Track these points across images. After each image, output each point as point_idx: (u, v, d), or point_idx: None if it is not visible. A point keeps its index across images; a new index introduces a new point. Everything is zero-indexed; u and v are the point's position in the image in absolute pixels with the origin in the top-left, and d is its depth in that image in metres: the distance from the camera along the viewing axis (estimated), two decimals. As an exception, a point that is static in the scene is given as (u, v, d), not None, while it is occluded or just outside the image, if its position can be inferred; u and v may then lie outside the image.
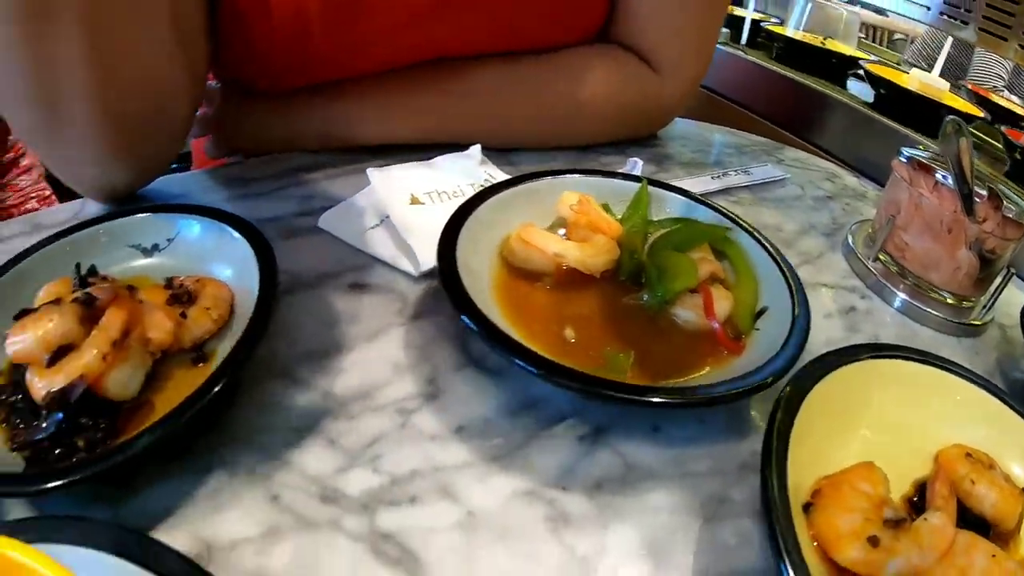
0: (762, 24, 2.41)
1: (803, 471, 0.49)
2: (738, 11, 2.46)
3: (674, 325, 0.64)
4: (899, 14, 2.09)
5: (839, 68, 2.22)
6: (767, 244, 0.70)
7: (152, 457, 0.47)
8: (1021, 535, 0.52)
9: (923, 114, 1.85)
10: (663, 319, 0.64)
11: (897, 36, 2.73)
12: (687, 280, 0.63)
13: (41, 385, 0.50)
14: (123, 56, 0.67)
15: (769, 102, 2.20)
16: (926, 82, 1.96)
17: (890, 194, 0.85)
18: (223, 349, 0.58)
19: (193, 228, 0.68)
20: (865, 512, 0.48)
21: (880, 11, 2.23)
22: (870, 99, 2.03)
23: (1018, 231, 0.75)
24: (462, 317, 0.56)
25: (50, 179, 1.93)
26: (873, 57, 2.29)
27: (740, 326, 0.63)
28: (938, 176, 0.78)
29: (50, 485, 0.44)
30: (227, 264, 0.65)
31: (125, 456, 0.45)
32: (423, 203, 0.79)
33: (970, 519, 0.51)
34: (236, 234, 0.65)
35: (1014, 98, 2.15)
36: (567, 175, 0.78)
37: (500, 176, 0.88)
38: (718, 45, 1.76)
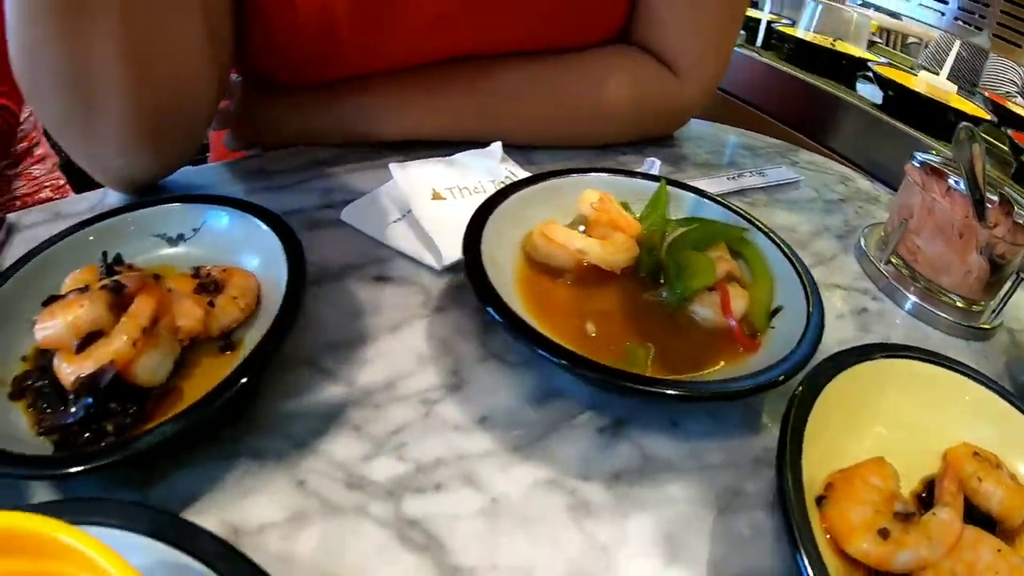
0: (773, 25, 2.42)
1: (816, 466, 0.51)
2: (754, 13, 2.46)
3: (692, 322, 0.65)
4: (913, 19, 2.09)
5: (848, 70, 2.23)
6: (782, 245, 0.71)
7: (180, 443, 0.48)
8: (1026, 531, 0.53)
9: (930, 116, 1.86)
10: (681, 316, 0.65)
11: (911, 40, 2.73)
12: (705, 278, 0.64)
13: (70, 370, 0.51)
14: (157, 50, 0.68)
15: (782, 104, 2.20)
16: (934, 84, 1.97)
17: (903, 198, 0.86)
18: (250, 338, 0.59)
19: (221, 219, 0.69)
20: (876, 505, 0.49)
21: (895, 15, 2.23)
22: (879, 101, 2.04)
23: (1028, 237, 0.76)
24: (487, 309, 0.57)
25: (64, 169, 1.92)
26: (882, 59, 2.29)
27: (756, 324, 0.64)
28: (950, 181, 0.79)
29: (85, 467, 0.45)
30: (254, 254, 0.66)
31: (158, 440, 0.46)
32: (445, 198, 0.80)
33: (977, 516, 0.52)
34: (263, 225, 0.66)
35: (1026, 103, 2.16)
36: (588, 173, 0.79)
37: (520, 173, 0.89)
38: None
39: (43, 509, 0.36)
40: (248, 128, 1.03)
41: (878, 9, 2.41)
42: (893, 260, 0.86)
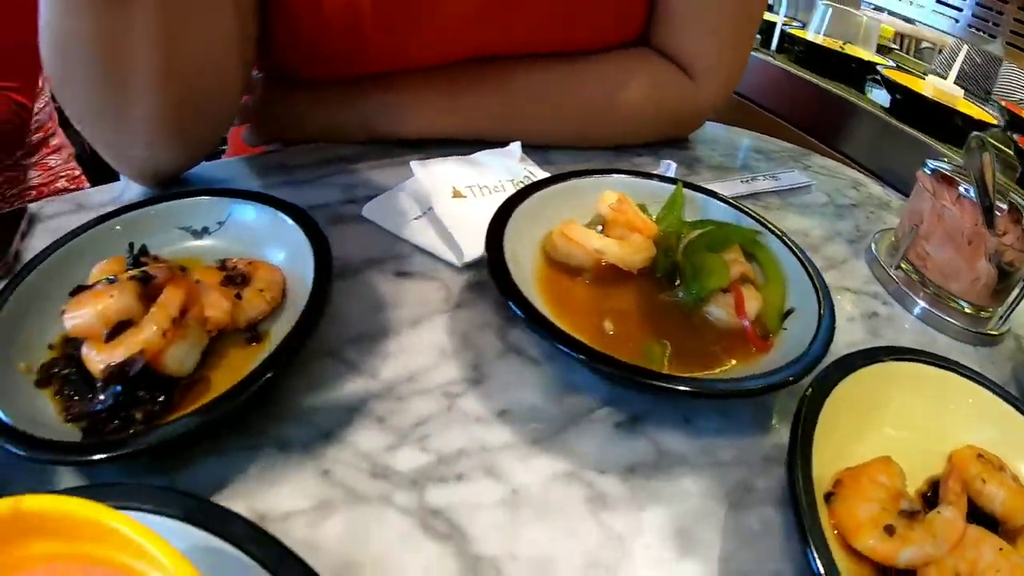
0: (783, 28, 2.43)
1: (825, 464, 0.52)
2: (768, 16, 2.47)
3: (706, 322, 0.66)
4: (928, 25, 2.10)
5: (858, 73, 2.24)
6: (795, 248, 0.72)
7: (206, 432, 0.50)
8: (1028, 532, 0.55)
9: (937, 120, 1.87)
10: (696, 316, 0.66)
11: (924, 45, 2.73)
12: (720, 280, 0.66)
13: (99, 359, 0.52)
14: (189, 42, 0.70)
15: (796, 108, 2.21)
16: (941, 88, 1.97)
17: (914, 204, 0.87)
18: (276, 330, 0.61)
19: (247, 213, 0.70)
20: (883, 503, 0.51)
21: (909, 20, 2.24)
22: (886, 104, 2.05)
23: (1036, 245, 0.77)
24: (509, 304, 0.59)
25: (80, 159, 1.94)
26: (891, 63, 2.30)
27: (768, 325, 0.66)
28: (961, 189, 0.80)
29: (120, 453, 0.46)
30: (280, 248, 0.67)
31: (190, 428, 0.48)
32: (465, 196, 0.81)
33: (980, 516, 0.54)
34: (289, 220, 0.67)
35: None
36: (607, 175, 0.81)
37: (539, 173, 0.90)
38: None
39: (77, 493, 0.36)
40: (268, 124, 1.04)
41: (892, 14, 2.41)
42: (903, 265, 0.87)
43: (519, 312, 0.58)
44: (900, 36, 2.90)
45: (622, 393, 0.63)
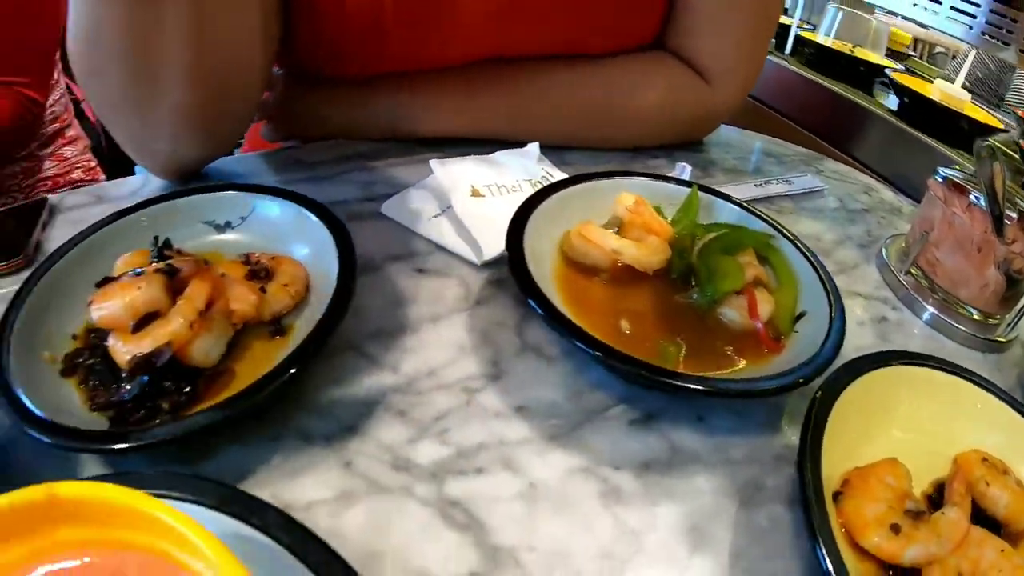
0: (790, 29, 2.44)
1: (834, 464, 0.54)
2: (783, 19, 2.47)
3: (720, 323, 0.67)
4: (941, 31, 2.10)
5: (866, 76, 2.25)
6: (808, 252, 0.74)
7: (230, 423, 0.51)
8: (1030, 535, 0.56)
9: (944, 123, 1.88)
10: (710, 317, 0.67)
11: (938, 50, 2.73)
12: (734, 282, 0.67)
13: (126, 350, 0.53)
14: (218, 36, 0.71)
15: (809, 112, 2.21)
16: (948, 92, 1.98)
17: (925, 211, 0.88)
18: (299, 324, 0.62)
19: (271, 208, 0.71)
20: (889, 503, 0.52)
21: (924, 26, 2.24)
22: (895, 107, 2.06)
23: (1045, 254, 0.78)
24: (529, 301, 0.60)
25: (96, 151, 1.95)
26: (899, 66, 2.31)
27: (780, 328, 0.67)
28: (971, 197, 0.81)
29: (156, 440, 0.48)
30: (304, 244, 0.68)
31: (219, 418, 0.49)
32: (483, 196, 0.83)
33: (983, 518, 0.55)
34: (313, 217, 0.68)
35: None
36: (625, 177, 0.82)
37: (557, 173, 0.92)
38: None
39: (109, 481, 0.36)
40: (288, 120, 1.05)
41: (906, 19, 2.41)
42: (913, 271, 0.88)
43: (538, 310, 0.60)
44: (915, 42, 2.90)
45: (637, 391, 0.64)
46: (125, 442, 0.48)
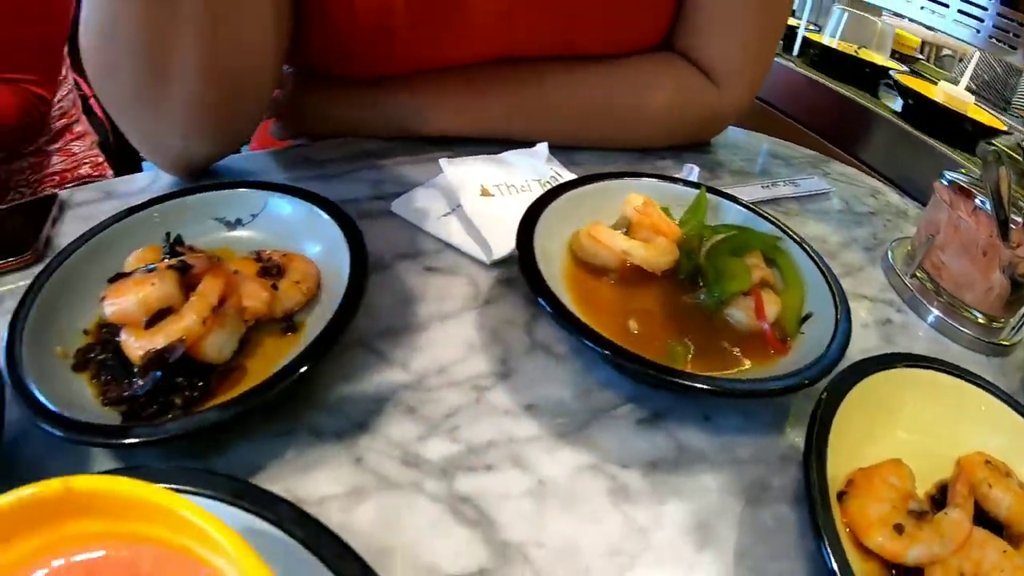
0: (797, 31, 2.45)
1: (839, 464, 0.54)
2: (791, 21, 2.48)
3: (727, 324, 0.68)
4: (949, 35, 2.10)
5: (871, 77, 2.26)
6: (814, 255, 0.74)
7: (242, 418, 0.51)
8: (1032, 537, 0.57)
9: (947, 125, 1.89)
10: (717, 318, 0.68)
11: (945, 53, 2.73)
12: (741, 283, 0.68)
13: (139, 345, 0.53)
14: (231, 32, 0.72)
15: (816, 114, 2.22)
16: (951, 94, 1.98)
17: (931, 214, 0.89)
18: (310, 321, 0.63)
19: (282, 206, 0.72)
20: (893, 503, 0.53)
21: (932, 29, 2.24)
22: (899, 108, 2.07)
23: (1050, 258, 0.79)
24: (539, 300, 0.61)
25: (103, 147, 1.96)
26: (904, 67, 2.31)
27: (787, 329, 0.68)
28: (977, 201, 0.81)
29: (173, 435, 0.49)
30: (316, 242, 0.69)
31: (233, 414, 0.50)
32: (493, 195, 0.83)
33: (986, 520, 0.56)
34: (325, 215, 0.69)
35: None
36: (633, 178, 0.83)
37: (566, 173, 0.92)
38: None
39: (123, 475, 0.36)
40: (297, 118, 1.06)
41: (912, 21, 2.42)
42: (918, 274, 0.88)
43: (548, 308, 0.60)
44: (923, 45, 2.90)
45: (645, 391, 0.65)
46: (138, 436, 0.48)
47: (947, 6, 2.05)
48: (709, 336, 0.66)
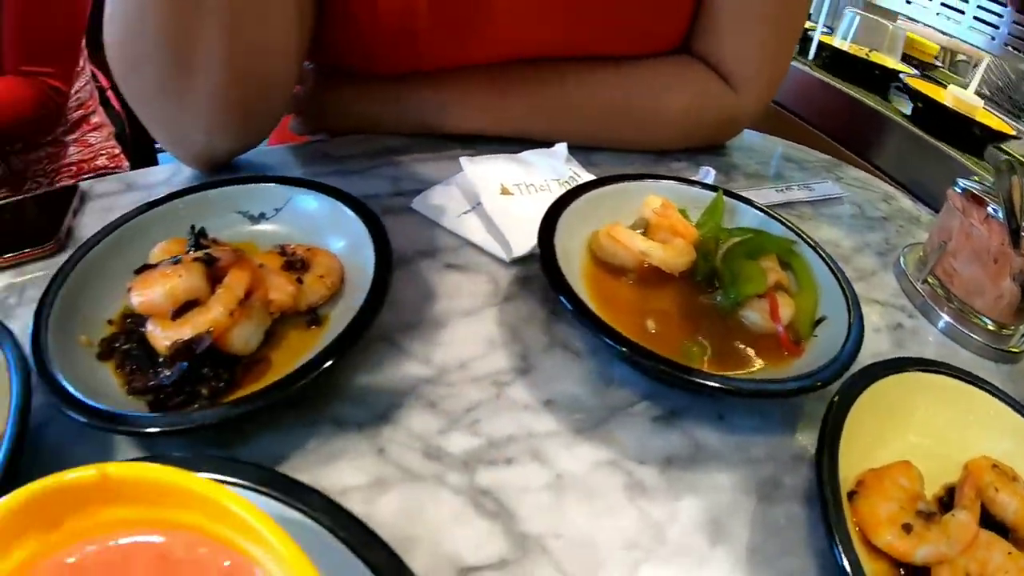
0: (809, 33, 2.46)
1: (849, 465, 0.56)
2: (806, 24, 2.48)
3: (741, 325, 0.69)
4: (965, 41, 2.11)
5: (881, 80, 2.27)
6: (828, 259, 0.75)
7: (268, 409, 0.53)
8: (1037, 540, 0.58)
9: (956, 129, 1.90)
10: (732, 319, 0.69)
11: (960, 58, 2.73)
12: (757, 286, 0.69)
13: (165, 336, 0.55)
14: (255, 27, 0.73)
15: (826, 116, 2.22)
16: (961, 98, 1.99)
17: (943, 221, 0.89)
18: (334, 314, 0.64)
19: (307, 201, 0.73)
20: (902, 503, 0.54)
21: (947, 35, 2.25)
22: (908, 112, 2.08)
23: (1060, 267, 0.79)
24: (560, 298, 0.62)
25: (119, 138, 1.98)
26: (914, 71, 2.32)
27: (800, 331, 0.69)
28: (989, 209, 0.82)
29: (192, 425, 0.50)
30: (340, 237, 0.70)
31: (262, 404, 0.51)
32: (512, 194, 0.84)
33: (992, 523, 0.57)
34: (349, 211, 0.70)
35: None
36: (654, 180, 0.84)
37: (584, 174, 0.93)
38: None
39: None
40: (317, 114, 1.07)
41: (927, 26, 2.42)
42: (930, 280, 0.89)
43: (568, 306, 0.62)
44: (941, 52, 2.90)
45: (661, 389, 0.66)
46: (166, 425, 0.50)
47: (963, 12, 2.06)
48: (724, 337, 0.67)
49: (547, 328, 0.71)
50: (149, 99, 0.77)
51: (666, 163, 1.09)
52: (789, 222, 0.80)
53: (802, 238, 0.78)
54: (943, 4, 2.16)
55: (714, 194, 0.81)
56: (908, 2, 2.33)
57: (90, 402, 0.50)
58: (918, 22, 2.39)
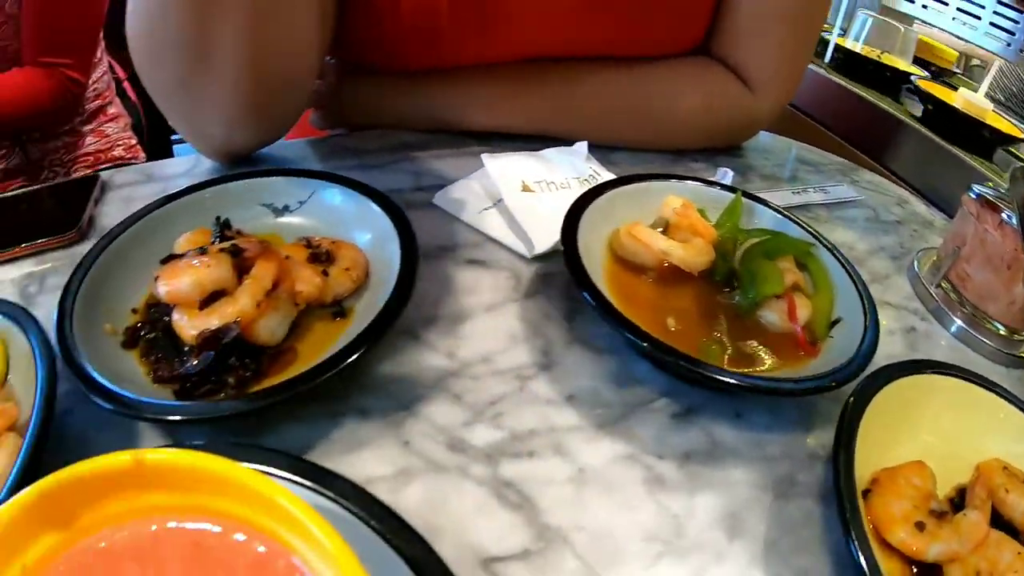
0: (825, 36, 2.46)
1: (864, 464, 0.57)
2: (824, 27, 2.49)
3: (759, 325, 0.70)
4: (979, 46, 2.11)
5: (892, 82, 2.28)
6: (845, 262, 0.76)
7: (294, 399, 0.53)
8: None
9: (966, 131, 1.91)
10: (750, 319, 0.70)
11: (974, 63, 2.73)
12: (775, 287, 0.70)
13: (192, 325, 0.56)
14: (277, 22, 0.74)
15: (839, 119, 2.23)
16: (970, 101, 2.00)
17: (957, 226, 0.90)
18: (359, 307, 0.65)
19: (332, 194, 0.74)
20: (915, 501, 0.56)
21: (964, 40, 2.25)
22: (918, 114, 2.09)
23: (1072, 274, 0.80)
24: (583, 294, 0.63)
25: (135, 129, 1.99)
26: (925, 73, 2.32)
27: (817, 332, 0.70)
28: (1003, 215, 0.82)
29: (222, 414, 0.51)
30: (366, 231, 0.71)
31: (292, 392, 0.52)
32: (533, 191, 0.85)
33: (1002, 524, 0.58)
34: (375, 205, 0.71)
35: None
36: (676, 180, 0.85)
37: (604, 172, 0.94)
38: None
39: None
40: (340, 109, 1.08)
41: (942, 30, 2.42)
42: (943, 284, 0.90)
43: (592, 302, 0.63)
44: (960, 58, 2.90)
45: (679, 386, 0.67)
46: (195, 413, 0.51)
47: (979, 18, 2.06)
48: (742, 336, 0.69)
49: (568, 324, 0.72)
50: (169, 93, 0.78)
51: (684, 163, 1.10)
52: (806, 224, 0.81)
53: (819, 240, 0.79)
54: (959, 9, 2.16)
55: (732, 195, 0.82)
56: (924, 7, 2.32)
57: (116, 389, 0.51)
58: (934, 27, 2.39)
